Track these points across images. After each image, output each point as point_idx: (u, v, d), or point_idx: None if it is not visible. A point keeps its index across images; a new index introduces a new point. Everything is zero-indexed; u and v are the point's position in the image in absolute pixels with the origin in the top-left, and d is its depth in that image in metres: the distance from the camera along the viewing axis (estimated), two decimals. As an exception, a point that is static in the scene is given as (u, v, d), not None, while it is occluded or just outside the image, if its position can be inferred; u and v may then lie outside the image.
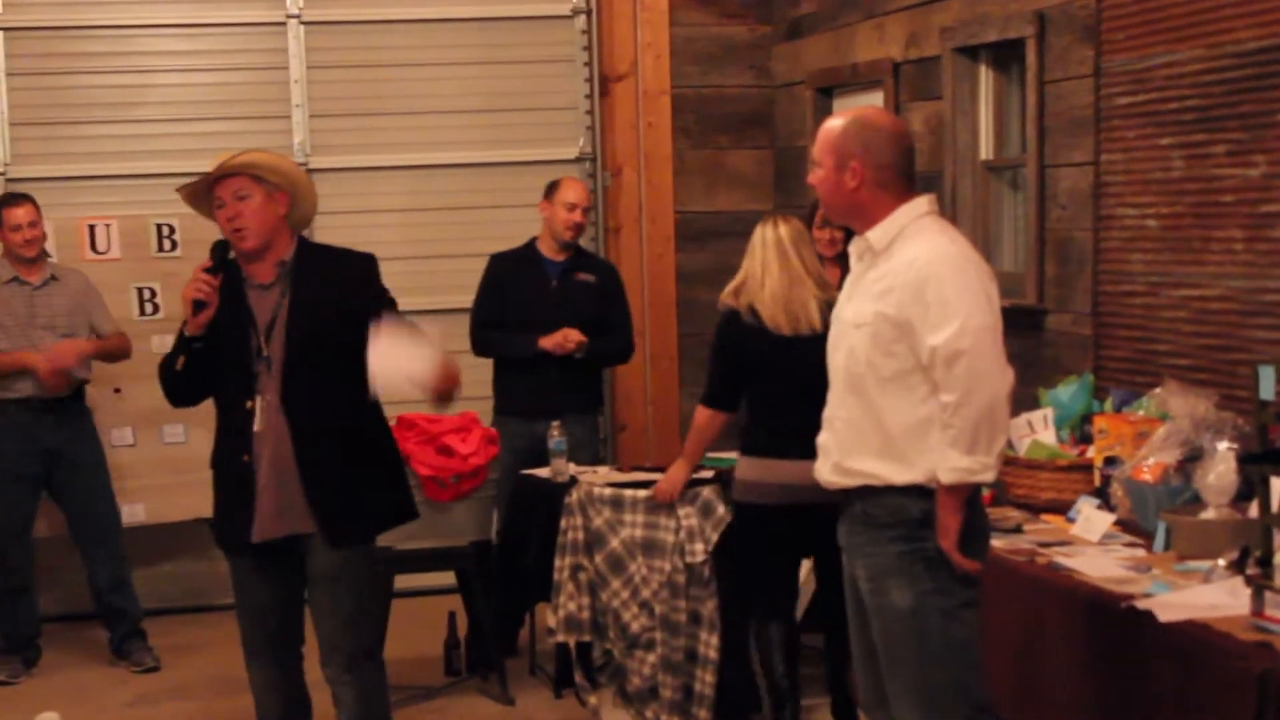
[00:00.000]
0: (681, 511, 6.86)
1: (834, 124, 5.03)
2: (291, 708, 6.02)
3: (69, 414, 8.30)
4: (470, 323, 8.24)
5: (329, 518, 5.67)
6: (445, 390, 5.58)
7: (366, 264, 5.88)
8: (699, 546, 6.84)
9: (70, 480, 8.42)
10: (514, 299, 8.18)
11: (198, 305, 5.60)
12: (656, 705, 6.91)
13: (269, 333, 5.66)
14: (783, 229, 6.70)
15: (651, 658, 6.89)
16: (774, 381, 6.49)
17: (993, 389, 4.73)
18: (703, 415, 6.77)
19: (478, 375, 8.35)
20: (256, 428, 5.67)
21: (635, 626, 6.90)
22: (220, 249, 5.71)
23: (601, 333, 8.13)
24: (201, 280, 5.60)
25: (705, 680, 6.85)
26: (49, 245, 8.45)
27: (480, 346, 8.23)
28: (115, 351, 8.37)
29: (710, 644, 6.85)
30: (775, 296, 6.58)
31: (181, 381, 5.80)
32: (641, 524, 6.92)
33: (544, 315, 8.06)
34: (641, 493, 6.96)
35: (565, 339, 7.95)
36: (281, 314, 5.67)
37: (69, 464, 8.37)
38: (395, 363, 5.44)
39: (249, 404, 5.68)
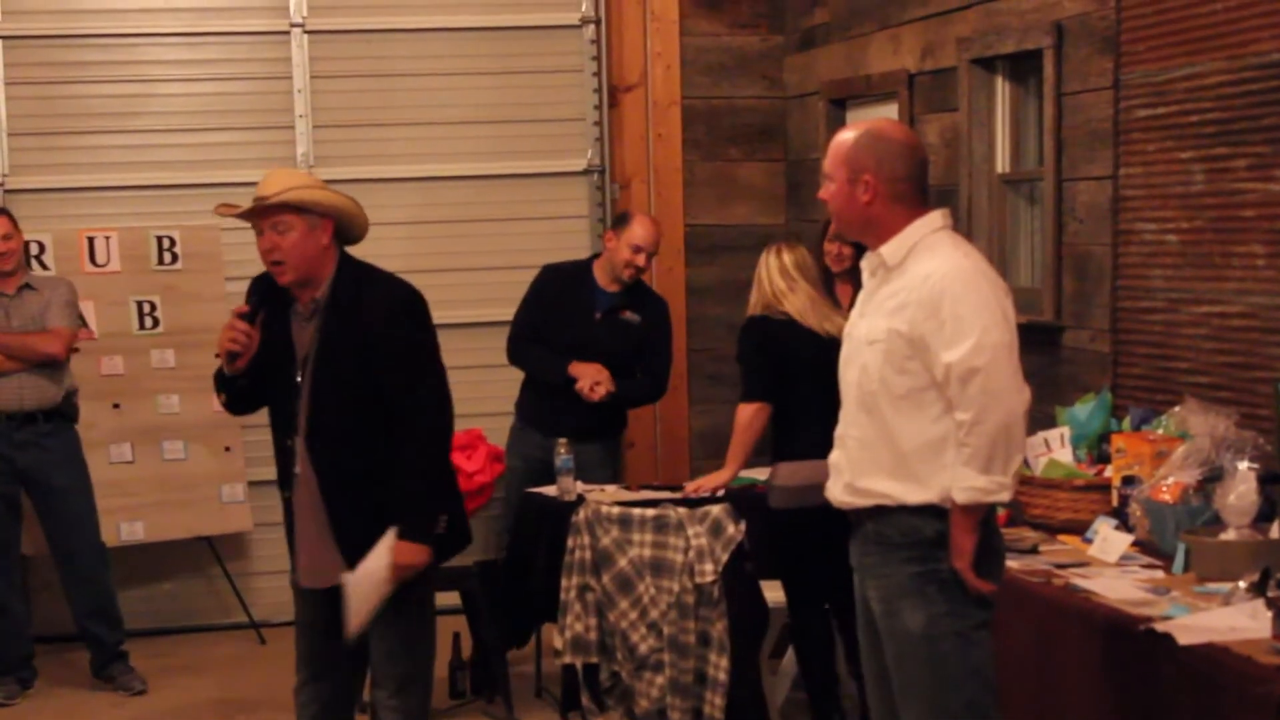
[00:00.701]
0: (691, 531, 6.85)
1: (846, 136, 5.02)
2: None
3: (43, 433, 8.23)
4: (510, 330, 8.16)
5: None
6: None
7: (398, 295, 5.70)
8: (708, 567, 6.83)
9: (44, 503, 8.37)
10: (555, 318, 8.05)
11: (232, 355, 5.54)
12: (665, 728, 6.90)
13: (304, 368, 5.59)
14: (786, 256, 7.02)
15: (660, 679, 6.88)
16: (814, 381, 6.49)
17: (1008, 407, 4.72)
18: (746, 412, 6.91)
19: (487, 391, 8.37)
20: (297, 469, 5.65)
21: (643, 648, 6.89)
22: (256, 292, 5.65)
23: (635, 363, 8.06)
24: (237, 331, 5.52)
25: (715, 703, 6.84)
26: (47, 257, 8.45)
27: (516, 358, 8.12)
28: (14, 345, 8.08)
29: (720, 666, 6.83)
30: (801, 309, 6.87)
31: (229, 405, 5.82)
32: (650, 543, 6.91)
33: (580, 346, 7.93)
34: (651, 511, 6.96)
35: (597, 376, 7.83)
36: (312, 350, 5.59)
37: (43, 486, 8.31)
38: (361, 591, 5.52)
39: (289, 442, 5.65)
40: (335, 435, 5.58)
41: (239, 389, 5.68)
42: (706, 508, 6.93)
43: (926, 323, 4.77)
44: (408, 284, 5.81)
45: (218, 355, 5.61)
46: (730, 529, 6.87)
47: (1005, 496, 4.84)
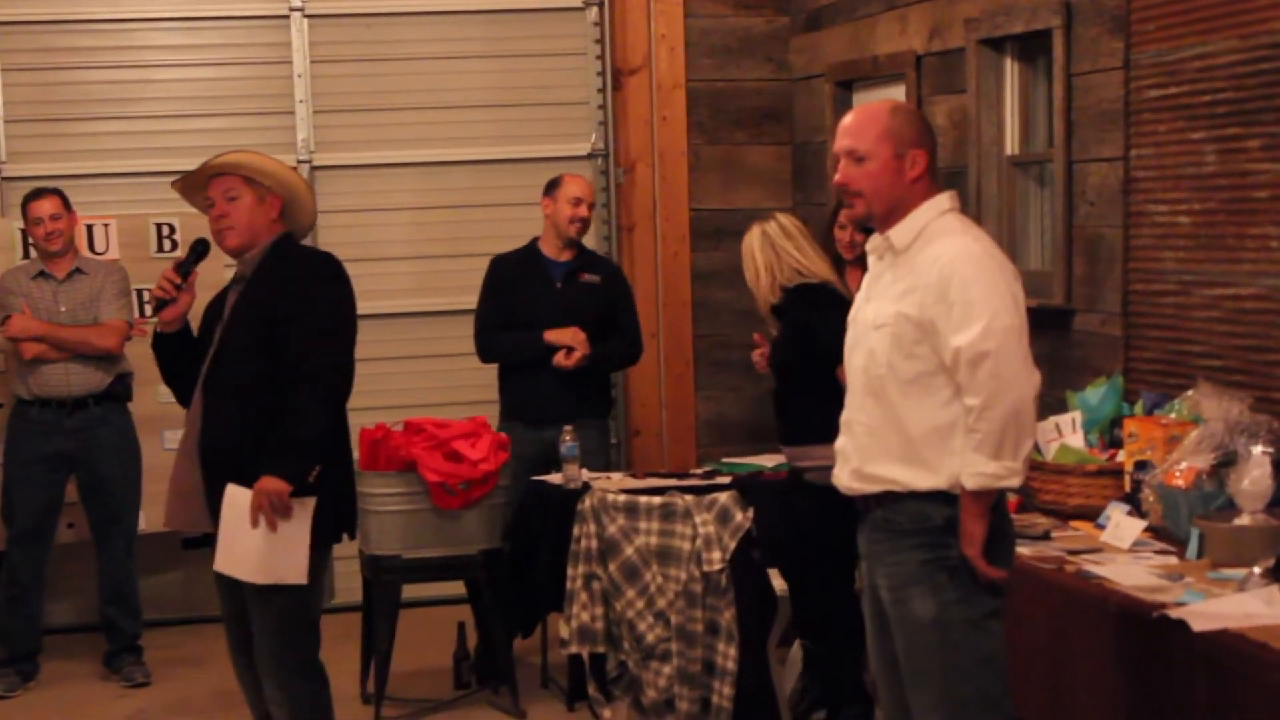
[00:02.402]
0: (698, 519, 6.87)
1: (878, 112, 4.99)
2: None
3: (94, 418, 8.32)
4: (475, 327, 8.25)
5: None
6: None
7: (318, 265, 5.97)
8: (716, 555, 6.85)
9: (90, 489, 8.46)
10: (517, 302, 8.17)
11: (160, 303, 5.79)
12: (673, 718, 6.91)
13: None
14: (784, 220, 7.00)
15: (667, 669, 6.89)
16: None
17: (1019, 392, 4.72)
18: None
19: (491, 378, 8.38)
20: (187, 418, 5.88)
21: (650, 637, 6.90)
22: (195, 248, 5.90)
23: (607, 336, 8.13)
24: (164, 279, 5.79)
25: (723, 692, 6.86)
26: None
27: (486, 352, 8.22)
28: (72, 342, 8.20)
29: (728, 655, 6.85)
30: (830, 274, 6.87)
31: (169, 380, 6.03)
32: (657, 531, 6.93)
33: (548, 318, 8.06)
34: (657, 499, 6.97)
35: (574, 338, 7.95)
36: (229, 311, 5.83)
37: (91, 473, 8.40)
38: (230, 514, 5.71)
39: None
40: (226, 390, 5.77)
41: (164, 348, 5.91)
42: (714, 495, 6.94)
43: (935, 306, 4.77)
44: (329, 254, 6.12)
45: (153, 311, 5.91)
46: (738, 516, 6.89)
47: (1016, 482, 4.84)
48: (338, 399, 5.86)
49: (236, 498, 5.68)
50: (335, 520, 5.93)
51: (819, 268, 6.90)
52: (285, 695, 5.85)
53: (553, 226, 8.23)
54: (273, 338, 5.72)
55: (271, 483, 5.65)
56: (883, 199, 4.94)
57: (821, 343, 6.55)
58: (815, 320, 6.70)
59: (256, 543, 5.69)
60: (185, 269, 5.84)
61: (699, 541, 6.86)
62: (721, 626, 6.87)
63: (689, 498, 6.94)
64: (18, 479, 8.38)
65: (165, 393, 8.91)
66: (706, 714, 6.90)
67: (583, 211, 8.17)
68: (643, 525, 6.94)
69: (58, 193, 8.29)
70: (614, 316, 8.24)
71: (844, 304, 6.24)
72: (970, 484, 4.76)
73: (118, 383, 8.34)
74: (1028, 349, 4.80)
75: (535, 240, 8.33)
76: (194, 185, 5.90)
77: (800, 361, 6.78)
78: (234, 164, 5.79)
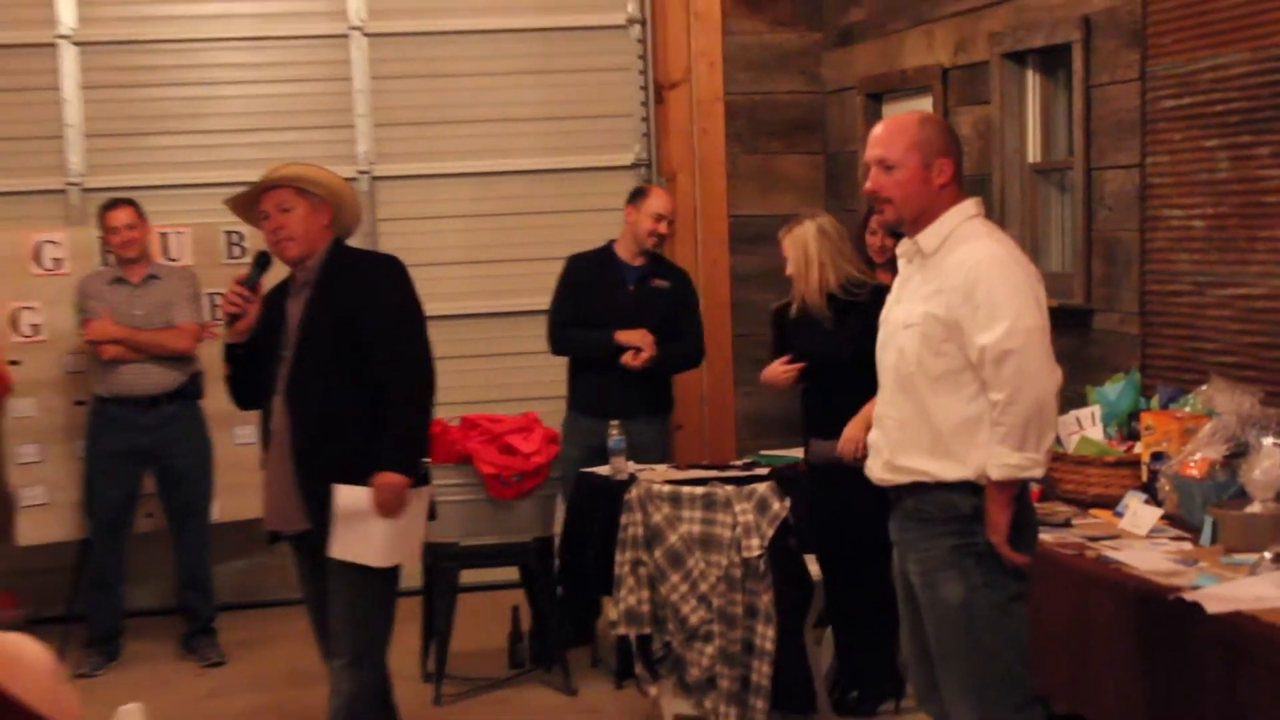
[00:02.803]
0: (738, 508, 6.86)
1: (907, 123, 5.01)
2: None
3: (168, 416, 8.37)
4: (549, 321, 8.21)
5: (321, 518, 5.76)
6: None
7: (385, 267, 5.97)
8: (755, 541, 6.84)
9: (166, 482, 8.52)
10: (591, 301, 8.13)
11: (231, 317, 5.79)
12: (715, 695, 6.91)
13: (291, 335, 5.80)
14: (826, 223, 7.11)
15: (710, 649, 6.89)
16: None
17: (1041, 387, 4.73)
18: None
19: (542, 375, 8.41)
20: (273, 425, 5.83)
21: (694, 619, 6.90)
22: (258, 261, 5.88)
23: (673, 338, 8.11)
24: (233, 293, 5.79)
25: (762, 671, 6.85)
26: None
27: (559, 345, 8.19)
28: (149, 344, 8.26)
29: (767, 636, 6.84)
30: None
31: (233, 385, 6.01)
32: (699, 520, 6.93)
33: (620, 319, 8.03)
34: (699, 489, 6.97)
35: (642, 339, 7.94)
36: (299, 318, 5.79)
37: (167, 467, 8.46)
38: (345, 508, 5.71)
39: (268, 403, 5.85)
40: (310, 395, 5.75)
41: (236, 359, 5.89)
42: (753, 486, 6.94)
43: (962, 307, 4.77)
44: (392, 256, 6.12)
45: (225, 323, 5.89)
46: (775, 506, 6.88)
47: (1038, 473, 4.86)
48: (429, 391, 5.89)
49: (349, 495, 5.69)
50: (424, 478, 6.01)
51: (863, 271, 6.98)
52: (356, 673, 5.88)
53: (631, 234, 8.15)
54: (350, 344, 5.72)
55: (391, 478, 5.70)
56: (911, 205, 4.94)
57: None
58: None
59: (379, 531, 5.73)
60: (251, 282, 5.83)
61: (739, 529, 6.86)
62: (760, 609, 6.86)
63: (729, 488, 6.93)
64: (98, 472, 8.44)
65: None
66: (746, 692, 6.90)
67: (662, 228, 8.11)
68: (686, 514, 6.94)
69: (132, 203, 8.34)
70: (679, 321, 8.21)
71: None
72: (995, 474, 4.76)
73: (191, 382, 8.39)
74: (1049, 347, 4.81)
75: (611, 243, 8.26)
76: (247, 201, 5.88)
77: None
78: (288, 177, 5.79)
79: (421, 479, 5.91)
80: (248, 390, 6.00)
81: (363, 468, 5.75)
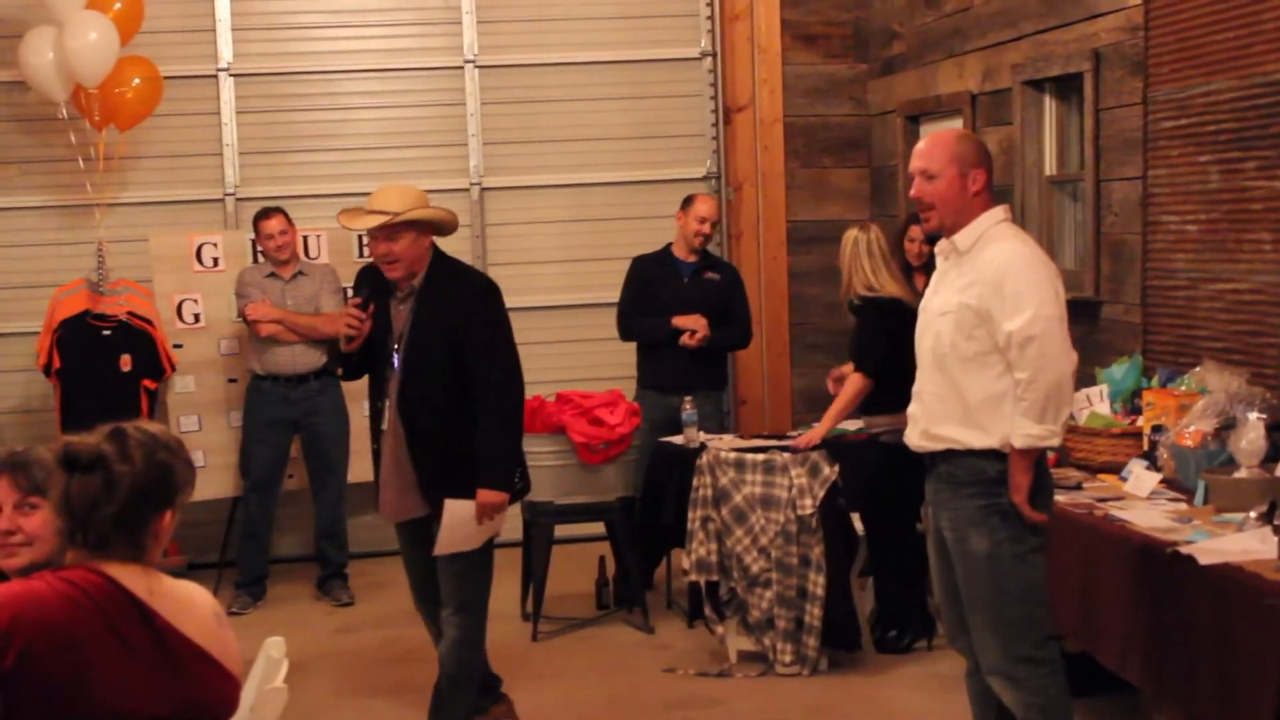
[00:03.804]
0: (794, 472, 6.86)
1: (946, 139, 4.99)
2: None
3: (313, 390, 8.41)
4: (617, 313, 8.27)
5: (436, 506, 5.76)
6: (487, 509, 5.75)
7: (477, 285, 5.87)
8: (808, 501, 6.83)
9: (310, 447, 8.57)
10: (653, 293, 8.19)
11: (349, 338, 5.78)
12: (773, 634, 6.91)
13: (399, 342, 5.76)
14: (874, 233, 7.16)
15: (769, 594, 6.89)
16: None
17: (1060, 368, 4.72)
18: (859, 383, 6.94)
19: (624, 358, 8.43)
20: (384, 425, 5.81)
21: (755, 568, 6.90)
22: (367, 277, 5.85)
23: (725, 323, 8.14)
24: (352, 317, 5.75)
25: (814, 614, 6.85)
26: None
27: (626, 332, 8.26)
28: (304, 326, 8.29)
29: (818, 583, 6.84)
30: (900, 290, 6.97)
31: (350, 367, 6.02)
32: (760, 482, 6.92)
33: (679, 307, 8.09)
34: (760, 456, 6.96)
35: (696, 323, 7.97)
36: (407, 327, 5.75)
37: (308, 432, 8.51)
38: (452, 520, 5.70)
39: (380, 404, 5.85)
40: (420, 397, 5.72)
41: (352, 364, 5.93)
42: (806, 453, 6.93)
43: (992, 298, 4.76)
44: (486, 275, 6.07)
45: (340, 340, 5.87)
46: (826, 470, 6.87)
47: (1056, 442, 4.85)
48: (518, 405, 5.82)
49: (456, 510, 5.69)
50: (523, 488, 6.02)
51: (888, 285, 6.93)
52: (461, 619, 5.92)
53: (682, 235, 8.25)
54: (452, 355, 5.68)
55: (490, 496, 5.68)
56: (950, 210, 4.92)
57: (875, 347, 6.89)
58: (864, 329, 7.01)
59: (478, 532, 5.76)
60: (365, 305, 5.78)
61: (794, 491, 6.85)
62: (813, 560, 6.86)
63: (786, 455, 6.93)
64: (253, 439, 8.50)
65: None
66: (800, 631, 6.90)
67: (706, 229, 8.18)
68: (749, 477, 6.93)
69: (281, 210, 8.39)
70: (730, 307, 8.24)
71: (898, 319, 6.26)
72: (1019, 443, 4.74)
73: (332, 362, 8.42)
74: (1067, 333, 4.80)
75: (669, 245, 8.34)
76: (355, 219, 5.85)
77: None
78: (403, 221, 5.65)
79: (519, 493, 5.92)
80: (355, 375, 6.08)
81: (468, 465, 5.73)
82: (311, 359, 8.34)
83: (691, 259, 8.25)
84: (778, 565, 6.86)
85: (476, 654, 6.04)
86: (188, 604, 3.13)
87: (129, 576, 3.05)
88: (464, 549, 5.76)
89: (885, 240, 7.21)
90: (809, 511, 6.84)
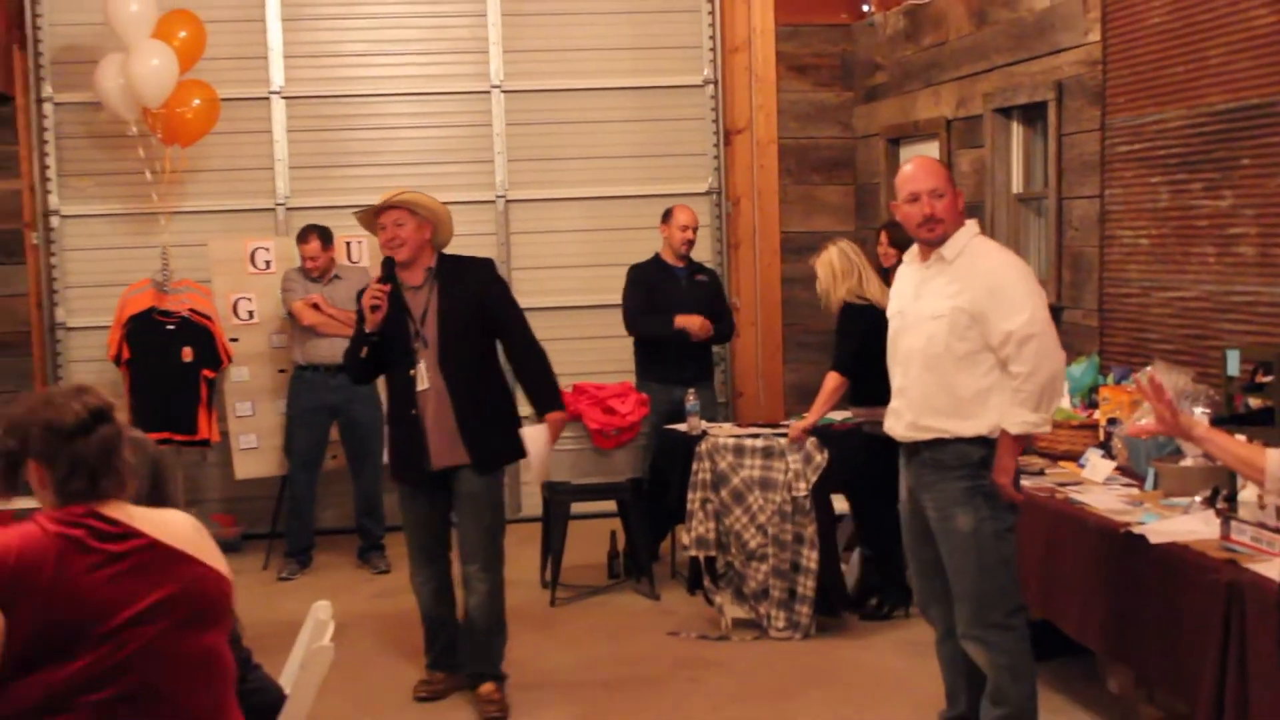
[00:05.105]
0: (790, 458, 6.89)
1: (939, 164, 5.14)
2: (441, 596, 6.29)
3: (347, 380, 8.34)
4: (624, 313, 8.25)
5: (479, 452, 5.97)
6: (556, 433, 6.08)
7: (488, 266, 6.21)
8: (802, 484, 6.86)
9: (348, 431, 8.57)
10: (656, 295, 8.18)
11: (374, 309, 5.94)
12: (767, 603, 6.94)
13: (423, 320, 5.96)
14: (847, 245, 7.17)
15: (764, 567, 6.91)
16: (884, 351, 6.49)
17: (1054, 363, 4.82)
18: (835, 380, 6.90)
19: (630, 354, 8.43)
20: (420, 388, 5.96)
21: (753, 544, 6.93)
22: (388, 265, 6.01)
23: (714, 318, 8.17)
24: (376, 290, 5.94)
25: (806, 585, 6.87)
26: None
27: (633, 329, 8.23)
28: (343, 318, 8.11)
29: (810, 558, 6.86)
30: (878, 294, 6.86)
31: (363, 366, 6.13)
32: (760, 466, 6.94)
33: (678, 307, 8.08)
34: (758, 442, 6.99)
35: (702, 327, 8.00)
36: (433, 306, 5.97)
37: (347, 418, 8.50)
38: (538, 447, 5.99)
39: (410, 372, 5.97)
40: (459, 358, 5.96)
41: (371, 346, 6.02)
42: (800, 441, 6.96)
43: (987, 301, 4.82)
44: (488, 258, 6.41)
45: (364, 326, 6.00)
46: (818, 457, 6.91)
47: (1047, 429, 4.96)
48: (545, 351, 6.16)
49: (533, 434, 6.01)
50: (517, 451, 6.15)
51: (875, 292, 6.93)
52: (489, 574, 6.07)
53: (668, 244, 8.24)
54: (480, 321, 5.96)
55: (558, 415, 6.06)
56: (951, 223, 4.99)
57: (848, 348, 6.89)
58: (843, 330, 6.99)
59: (549, 452, 6.12)
60: (386, 281, 5.96)
61: (789, 474, 6.88)
62: (805, 537, 6.88)
63: (782, 441, 6.96)
64: (296, 423, 8.52)
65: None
66: (793, 600, 6.92)
67: (689, 235, 8.19)
68: (747, 462, 6.96)
69: (317, 232, 8.39)
70: (716, 305, 8.28)
71: (875, 319, 6.27)
72: (1015, 429, 4.81)
73: (348, 363, 8.40)
74: (1057, 334, 4.87)
75: (657, 254, 8.31)
76: (370, 216, 6.04)
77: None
78: (404, 201, 5.95)
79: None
80: (368, 372, 6.19)
81: (500, 413, 6.03)
82: None
83: (681, 264, 8.25)
84: (774, 541, 6.90)
85: (503, 603, 6.19)
86: (164, 522, 3.24)
87: (114, 509, 3.16)
88: (554, 475, 6.09)
89: (861, 250, 7.22)
90: (802, 493, 6.87)
